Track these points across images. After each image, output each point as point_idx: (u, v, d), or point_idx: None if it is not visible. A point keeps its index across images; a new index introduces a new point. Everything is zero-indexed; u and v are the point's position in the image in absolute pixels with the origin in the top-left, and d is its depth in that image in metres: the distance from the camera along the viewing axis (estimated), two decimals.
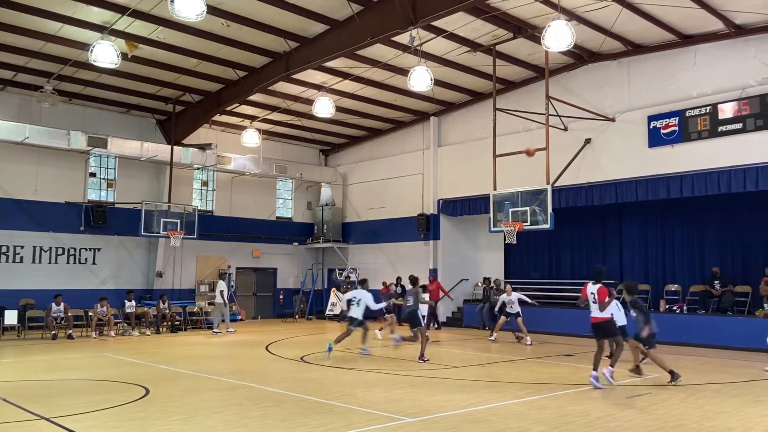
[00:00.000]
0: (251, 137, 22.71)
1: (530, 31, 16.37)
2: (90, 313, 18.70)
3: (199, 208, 23.24)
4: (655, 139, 17.16)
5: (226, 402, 8.88)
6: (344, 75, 19.32)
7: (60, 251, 20.86)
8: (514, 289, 17.77)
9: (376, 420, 7.67)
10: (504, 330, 17.72)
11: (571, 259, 21.48)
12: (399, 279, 22.43)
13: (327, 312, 25.88)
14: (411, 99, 21.52)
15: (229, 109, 21.90)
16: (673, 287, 18.53)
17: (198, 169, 23.78)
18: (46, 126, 19.71)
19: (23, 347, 15.99)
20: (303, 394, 9.40)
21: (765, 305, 12.18)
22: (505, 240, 17.43)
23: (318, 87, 20.07)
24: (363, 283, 15.05)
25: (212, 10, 14.24)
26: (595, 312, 10.39)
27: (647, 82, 17.80)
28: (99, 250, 21.67)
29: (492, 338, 17.52)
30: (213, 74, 19.51)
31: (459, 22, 15.92)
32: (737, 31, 15.80)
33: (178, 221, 21.34)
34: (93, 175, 22.05)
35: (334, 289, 26.01)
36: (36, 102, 19.03)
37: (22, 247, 20.08)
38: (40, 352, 14.92)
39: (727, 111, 15.91)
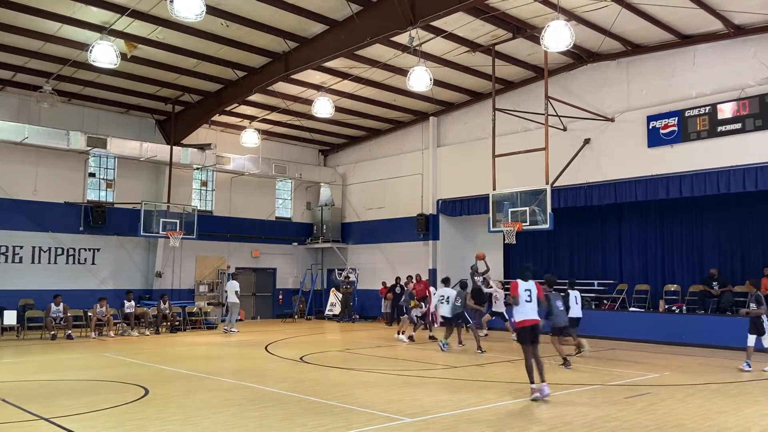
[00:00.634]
0: (250, 137, 22.71)
1: (529, 31, 16.38)
2: (89, 314, 18.69)
3: (198, 208, 23.24)
4: (655, 139, 17.17)
5: (225, 402, 8.88)
6: (343, 75, 19.33)
7: (59, 251, 20.85)
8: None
9: (375, 420, 7.67)
10: (503, 330, 17.72)
11: (570, 260, 21.48)
12: (398, 279, 22.44)
13: (326, 312, 25.90)
14: (410, 99, 21.52)
15: (228, 109, 21.90)
16: (673, 287, 18.54)
17: (197, 169, 23.77)
18: (46, 126, 19.72)
19: (22, 347, 15.99)
20: (302, 395, 9.40)
21: (751, 304, 12.18)
22: (504, 240, 17.43)
23: (317, 87, 20.07)
24: (447, 282, 16.04)
25: (211, 10, 14.23)
26: (532, 313, 9.40)
27: (646, 82, 17.80)
28: (98, 250, 21.66)
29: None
30: (212, 74, 19.51)
31: (458, 22, 15.92)
32: (736, 31, 15.81)
33: (178, 221, 21.34)
34: (92, 175, 22.04)
35: (333, 289, 26.03)
36: (35, 102, 19.03)
37: (21, 247, 20.07)
38: (40, 353, 14.92)
39: (726, 111, 15.92)
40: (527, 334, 9.37)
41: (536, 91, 19.01)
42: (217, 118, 22.84)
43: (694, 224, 18.78)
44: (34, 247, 20.33)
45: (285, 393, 9.55)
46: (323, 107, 19.26)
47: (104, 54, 14.49)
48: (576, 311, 13.58)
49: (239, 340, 18.06)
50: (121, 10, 14.81)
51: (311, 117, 21.56)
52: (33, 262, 20.30)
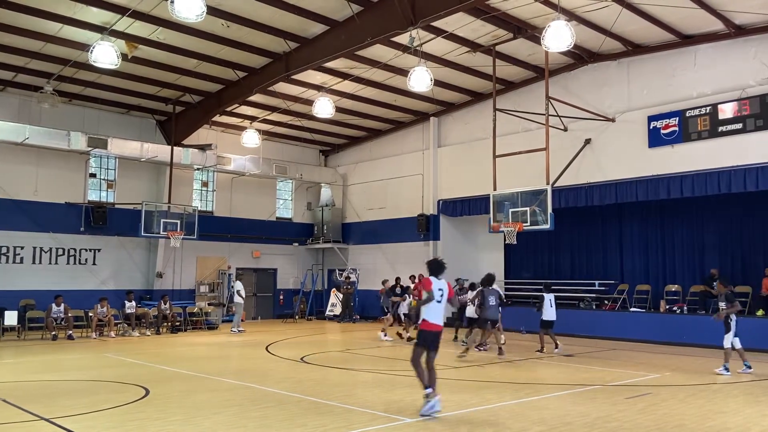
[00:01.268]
0: (251, 138, 22.71)
1: (530, 32, 16.38)
2: (90, 314, 18.69)
3: (199, 208, 23.24)
4: (655, 139, 17.16)
5: (225, 402, 8.88)
6: (344, 75, 19.33)
7: (60, 252, 20.86)
8: (515, 289, 17.79)
9: (376, 420, 7.67)
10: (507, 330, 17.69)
11: (571, 260, 21.49)
12: (398, 279, 22.41)
13: (327, 312, 25.90)
14: (411, 99, 21.52)
15: (229, 109, 21.91)
16: (674, 287, 18.53)
17: (198, 169, 23.77)
18: (46, 127, 19.72)
19: (23, 348, 16.00)
20: (303, 395, 9.40)
21: (721, 304, 11.98)
22: (505, 240, 17.43)
23: (318, 87, 20.07)
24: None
25: (212, 10, 14.24)
26: (439, 318, 8.36)
27: (647, 82, 17.80)
28: (99, 250, 21.66)
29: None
30: (213, 75, 19.52)
31: (459, 22, 15.92)
32: (737, 31, 15.81)
33: (178, 222, 21.34)
34: (93, 175, 22.04)
35: (334, 289, 26.04)
36: (36, 103, 19.03)
37: (22, 247, 20.08)
38: (41, 353, 14.93)
39: (727, 111, 15.91)
40: (429, 339, 8.33)
41: (537, 91, 19.01)
42: (217, 118, 22.85)
43: (694, 224, 18.78)
44: (34, 248, 20.33)
45: (285, 393, 9.55)
46: (324, 107, 19.26)
47: (105, 54, 14.50)
48: (550, 314, 14.79)
49: (240, 340, 18.08)
50: (121, 10, 14.82)
51: (312, 117, 21.57)
52: (34, 262, 20.30)
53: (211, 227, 23.74)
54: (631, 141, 17.65)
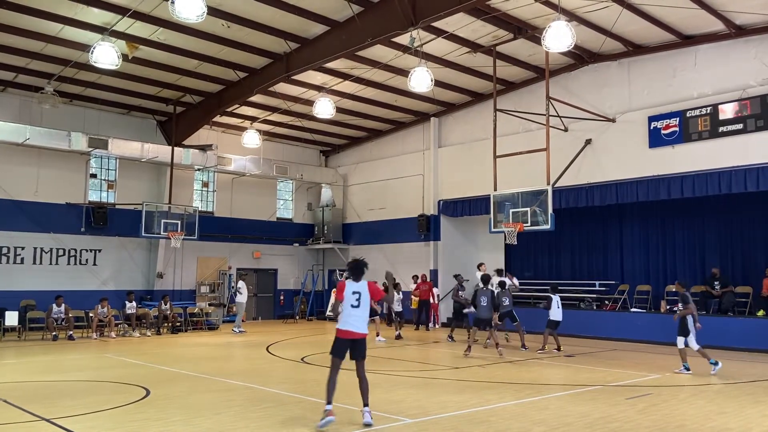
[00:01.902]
0: (252, 138, 22.72)
1: (530, 32, 16.38)
2: (91, 314, 18.70)
3: (199, 209, 23.24)
4: (656, 139, 17.16)
5: (226, 403, 8.88)
6: (344, 76, 19.33)
7: (61, 252, 20.86)
8: (515, 289, 17.82)
9: (376, 421, 7.66)
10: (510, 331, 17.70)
11: (571, 260, 21.48)
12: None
13: (327, 313, 25.87)
14: (411, 100, 21.52)
15: (229, 110, 21.92)
16: (674, 288, 18.49)
17: (198, 170, 23.78)
18: (47, 127, 19.72)
19: (24, 348, 16.00)
20: (303, 395, 9.41)
21: (679, 304, 12.11)
22: (505, 241, 17.42)
23: (318, 88, 20.07)
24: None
25: (212, 11, 14.24)
26: (358, 323, 7.77)
27: (648, 82, 17.80)
28: (99, 251, 21.67)
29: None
30: (213, 75, 19.52)
31: (459, 22, 15.92)
32: (738, 31, 15.81)
33: (179, 222, 21.35)
34: (94, 176, 22.05)
35: (334, 290, 25.99)
36: (37, 103, 19.02)
37: (22, 248, 20.09)
38: (41, 353, 14.93)
39: (727, 111, 15.91)
40: (344, 347, 7.70)
41: (537, 91, 19.02)
42: (218, 119, 22.85)
43: (695, 225, 18.77)
44: (35, 248, 20.34)
45: (286, 394, 9.56)
46: (324, 108, 19.26)
47: (106, 55, 14.50)
48: (557, 314, 14.87)
49: (241, 340, 18.08)
50: (122, 11, 14.82)
51: (312, 118, 21.58)
52: (34, 263, 20.31)
53: (212, 228, 23.75)
54: (632, 141, 17.65)
